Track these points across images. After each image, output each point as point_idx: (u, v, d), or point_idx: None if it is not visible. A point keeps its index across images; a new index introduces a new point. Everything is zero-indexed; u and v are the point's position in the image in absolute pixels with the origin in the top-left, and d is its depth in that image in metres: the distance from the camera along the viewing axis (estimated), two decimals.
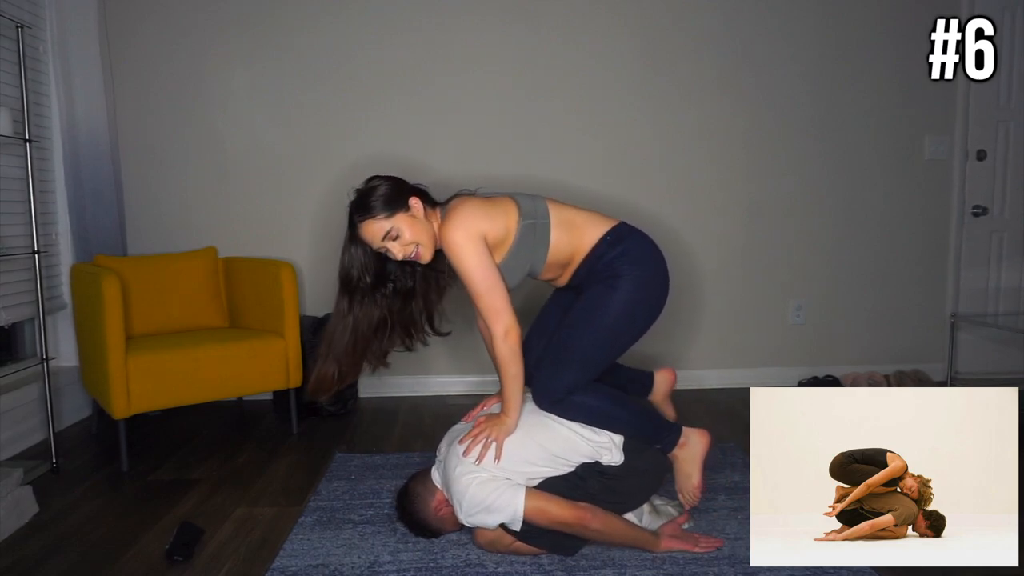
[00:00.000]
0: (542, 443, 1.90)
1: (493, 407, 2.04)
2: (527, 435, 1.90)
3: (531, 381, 1.96)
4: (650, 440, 1.99)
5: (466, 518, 1.86)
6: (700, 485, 2.00)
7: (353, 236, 1.93)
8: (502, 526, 1.87)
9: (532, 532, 1.86)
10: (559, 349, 1.94)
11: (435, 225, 1.92)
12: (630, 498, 1.98)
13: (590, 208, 2.07)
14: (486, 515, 1.83)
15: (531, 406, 1.97)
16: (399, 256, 1.89)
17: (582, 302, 1.96)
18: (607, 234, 1.96)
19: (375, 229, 1.87)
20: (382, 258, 1.95)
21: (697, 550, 1.93)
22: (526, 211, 1.92)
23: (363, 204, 1.88)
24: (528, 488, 1.84)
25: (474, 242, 1.84)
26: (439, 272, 2.04)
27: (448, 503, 1.95)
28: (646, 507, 2.08)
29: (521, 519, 1.81)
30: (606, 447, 1.93)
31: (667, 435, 2.00)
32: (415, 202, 1.91)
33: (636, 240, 1.99)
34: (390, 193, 1.89)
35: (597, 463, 1.93)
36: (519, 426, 1.91)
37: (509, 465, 1.87)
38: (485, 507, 1.82)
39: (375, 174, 1.97)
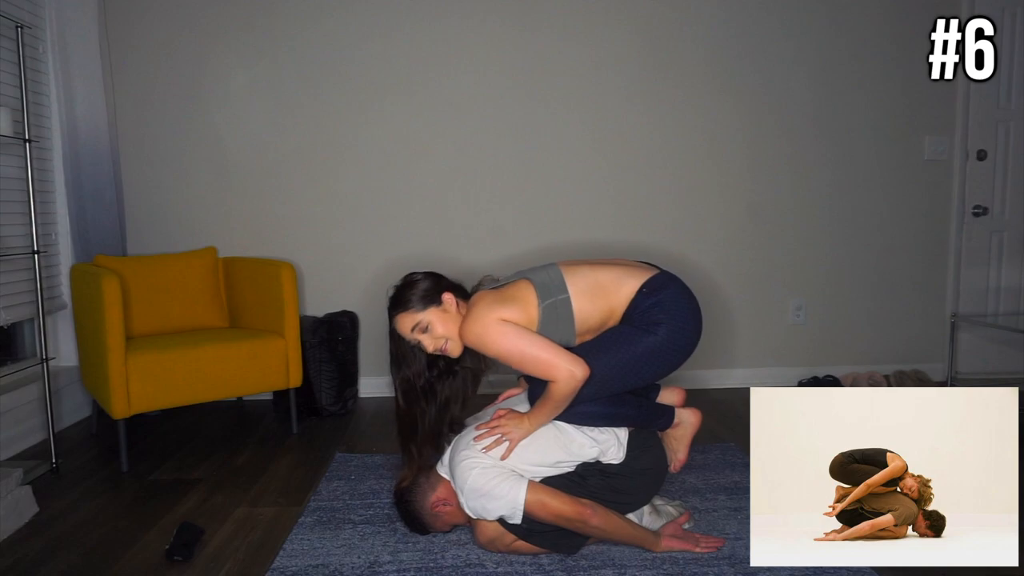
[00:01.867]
0: (550, 442, 1.93)
1: (515, 398, 2.07)
2: (536, 434, 1.92)
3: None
4: (650, 427, 2.07)
5: (466, 504, 1.88)
6: (684, 460, 2.13)
7: (393, 333, 2.01)
8: (503, 523, 1.87)
9: (532, 530, 1.87)
10: None
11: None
12: (631, 497, 1.98)
13: (619, 257, 2.09)
14: (486, 502, 1.84)
15: None
16: (430, 348, 1.95)
17: (612, 333, 1.93)
18: (643, 286, 1.93)
19: (407, 322, 1.95)
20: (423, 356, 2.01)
21: (698, 550, 1.93)
22: (542, 290, 1.91)
23: (399, 298, 1.98)
24: (530, 481, 1.86)
25: (493, 325, 1.85)
26: (470, 371, 2.08)
27: (446, 502, 1.96)
28: (646, 507, 2.08)
29: (521, 510, 1.82)
30: (611, 444, 1.96)
31: (663, 419, 2.10)
32: (448, 297, 1.96)
33: (674, 291, 1.96)
34: (426, 289, 1.97)
35: (598, 461, 1.95)
36: None
37: (516, 460, 1.89)
38: (486, 494, 1.83)
39: (414, 270, 2.05)
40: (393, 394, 2.05)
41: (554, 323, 1.90)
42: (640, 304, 1.91)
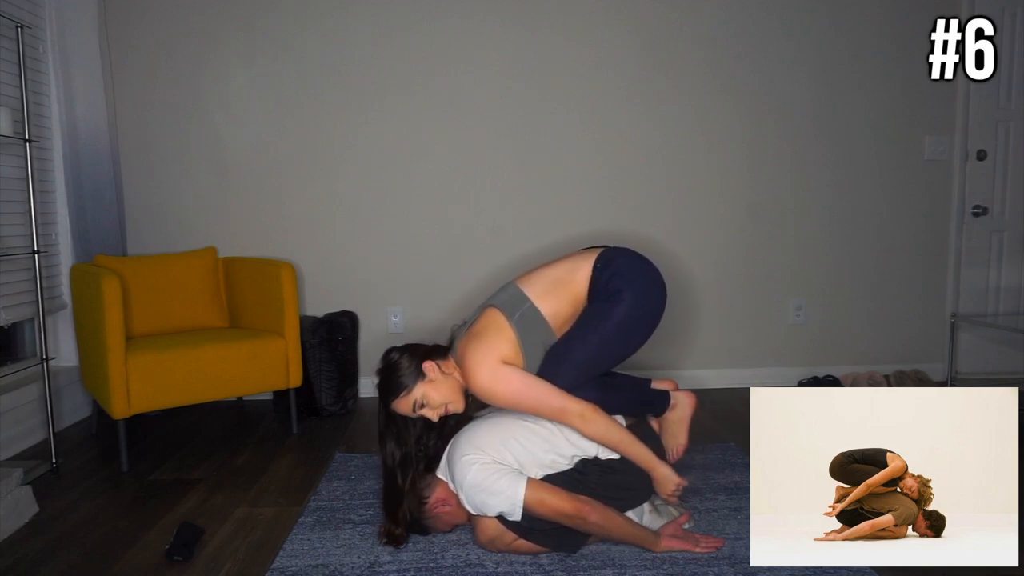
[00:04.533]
0: (554, 433, 1.94)
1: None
2: (537, 427, 1.94)
3: None
4: (646, 411, 2.09)
5: (466, 500, 1.88)
6: (685, 444, 2.12)
7: (385, 412, 2.00)
8: (503, 521, 1.87)
9: (533, 529, 1.87)
10: (557, 356, 1.97)
11: (456, 374, 1.98)
12: (630, 494, 1.98)
13: (565, 253, 2.14)
14: (486, 497, 1.85)
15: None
16: (435, 418, 1.96)
17: (583, 315, 1.99)
18: (596, 262, 2.01)
19: (405, 404, 1.95)
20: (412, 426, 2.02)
21: (698, 550, 1.93)
22: (508, 308, 1.98)
23: (387, 387, 1.96)
24: (529, 478, 1.86)
25: (498, 373, 1.90)
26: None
27: (445, 503, 1.96)
28: (646, 506, 2.08)
29: (520, 506, 1.82)
30: None
31: (657, 403, 2.11)
32: (428, 366, 1.96)
33: (626, 257, 2.04)
34: (407, 367, 1.95)
35: (596, 458, 1.96)
36: (532, 421, 1.95)
37: (520, 450, 1.90)
38: (485, 489, 1.84)
39: (391, 347, 2.03)
40: (384, 468, 2.00)
41: (531, 331, 1.96)
42: (599, 279, 1.98)
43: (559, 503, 1.83)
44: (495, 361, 1.90)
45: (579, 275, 2.01)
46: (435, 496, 1.97)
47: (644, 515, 2.05)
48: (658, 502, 2.15)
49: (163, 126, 3.50)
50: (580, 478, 1.92)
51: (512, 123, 3.59)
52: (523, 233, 3.61)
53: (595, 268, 2.00)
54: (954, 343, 3.73)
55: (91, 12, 3.17)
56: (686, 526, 2.05)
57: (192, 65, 3.49)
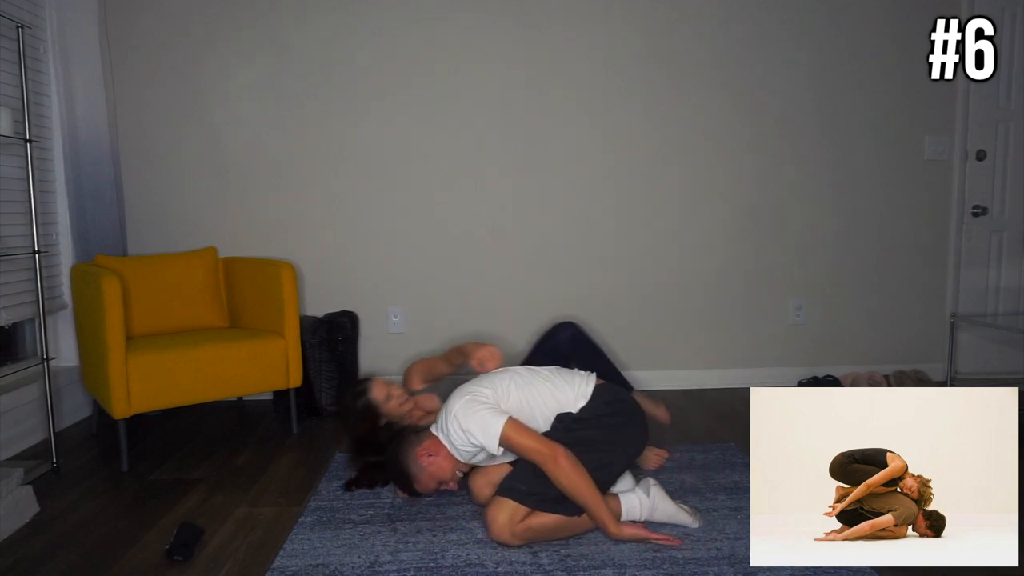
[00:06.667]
0: (552, 394, 2.21)
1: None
2: (531, 385, 2.21)
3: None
4: (623, 379, 2.48)
5: (451, 429, 2.07)
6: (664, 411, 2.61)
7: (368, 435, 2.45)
8: (514, 497, 1.95)
9: (540, 497, 1.95)
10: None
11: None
12: (604, 454, 2.06)
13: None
14: (467, 423, 2.03)
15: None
16: (403, 397, 2.48)
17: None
18: None
19: (379, 385, 2.46)
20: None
21: (654, 540, 1.96)
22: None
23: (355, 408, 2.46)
24: (510, 416, 2.03)
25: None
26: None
27: (430, 453, 2.10)
28: (655, 489, 2.10)
29: (497, 438, 1.99)
30: (568, 391, 2.21)
31: (627, 383, 2.53)
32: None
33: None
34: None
35: (569, 413, 2.15)
36: (540, 381, 2.25)
37: (518, 394, 2.16)
38: (469, 416, 2.04)
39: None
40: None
41: None
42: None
43: (533, 442, 1.98)
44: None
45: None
46: (422, 447, 2.12)
47: (651, 489, 2.09)
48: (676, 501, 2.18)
49: (163, 126, 3.50)
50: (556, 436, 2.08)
51: (512, 123, 3.59)
52: (523, 233, 3.62)
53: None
54: (954, 343, 3.73)
55: (91, 12, 3.17)
56: (693, 525, 2.08)
57: (192, 65, 3.49)
